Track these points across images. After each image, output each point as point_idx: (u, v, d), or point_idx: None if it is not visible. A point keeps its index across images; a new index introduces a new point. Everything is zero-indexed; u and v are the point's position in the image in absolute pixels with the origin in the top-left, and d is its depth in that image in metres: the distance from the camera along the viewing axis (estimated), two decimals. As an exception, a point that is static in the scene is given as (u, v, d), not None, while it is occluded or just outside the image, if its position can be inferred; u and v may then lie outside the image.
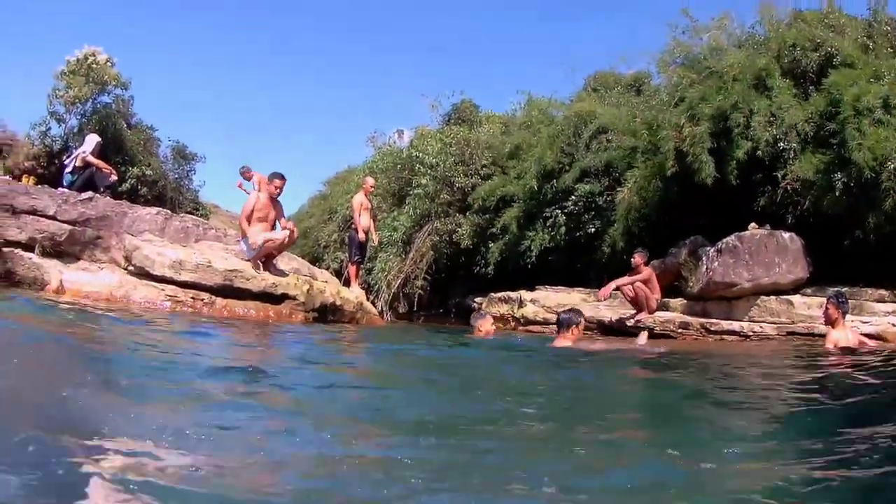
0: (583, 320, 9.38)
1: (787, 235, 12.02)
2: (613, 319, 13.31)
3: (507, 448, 3.65)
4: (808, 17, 14.26)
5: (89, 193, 13.02)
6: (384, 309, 18.97)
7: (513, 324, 15.49)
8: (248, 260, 11.76)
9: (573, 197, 16.59)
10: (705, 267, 12.65)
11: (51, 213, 11.75)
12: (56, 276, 10.84)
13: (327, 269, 20.34)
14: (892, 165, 11.20)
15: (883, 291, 11.38)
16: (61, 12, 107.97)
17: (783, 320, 11.50)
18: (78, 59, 27.82)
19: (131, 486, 2.51)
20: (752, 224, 12.52)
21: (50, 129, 27.91)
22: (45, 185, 14.44)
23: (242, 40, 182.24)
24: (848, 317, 9.52)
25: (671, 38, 15.82)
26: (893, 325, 10.76)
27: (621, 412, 5.11)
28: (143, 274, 11.10)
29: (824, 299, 9.82)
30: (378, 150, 27.27)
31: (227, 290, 11.12)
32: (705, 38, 15.33)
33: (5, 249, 10.66)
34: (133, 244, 11.50)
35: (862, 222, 11.82)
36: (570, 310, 9.75)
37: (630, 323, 12.90)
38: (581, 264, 16.67)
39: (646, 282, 12.89)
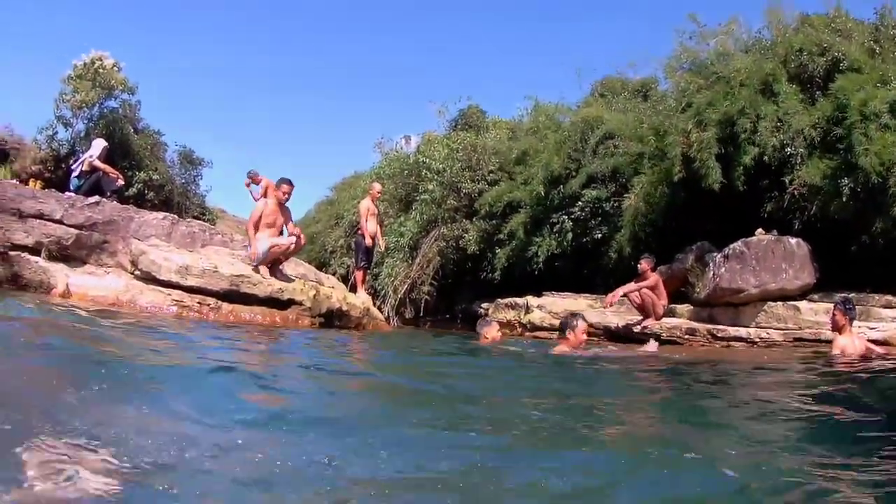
0: (580, 323, 9.28)
1: (794, 241, 11.97)
2: (620, 326, 13.27)
3: (505, 458, 3.63)
4: (814, 21, 14.22)
5: (96, 198, 13.06)
6: (391, 314, 18.98)
7: (519, 329, 15.44)
8: (254, 266, 11.77)
9: (580, 203, 16.57)
10: (712, 273, 12.61)
11: (57, 217, 11.79)
12: (62, 280, 10.87)
13: (334, 274, 20.43)
14: (900, 170, 11.18)
15: (890, 297, 11.31)
16: (68, 17, 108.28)
17: (790, 326, 11.45)
18: (85, 64, 27.91)
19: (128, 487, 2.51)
20: (759, 230, 12.48)
21: (57, 133, 28.02)
22: (52, 189, 14.45)
23: (249, 45, 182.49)
24: (855, 323, 9.49)
25: (678, 43, 15.84)
26: (901, 330, 10.71)
27: (607, 423, 5.09)
28: (149, 279, 11.12)
29: (831, 305, 9.79)
30: (385, 156, 27.34)
31: (234, 296, 11.13)
32: (712, 44, 15.32)
33: (12, 253, 10.67)
34: (139, 249, 11.51)
35: (869, 227, 11.78)
36: (569, 314, 9.73)
37: (637, 329, 12.86)
38: (588, 270, 16.65)
39: (652, 288, 12.87)
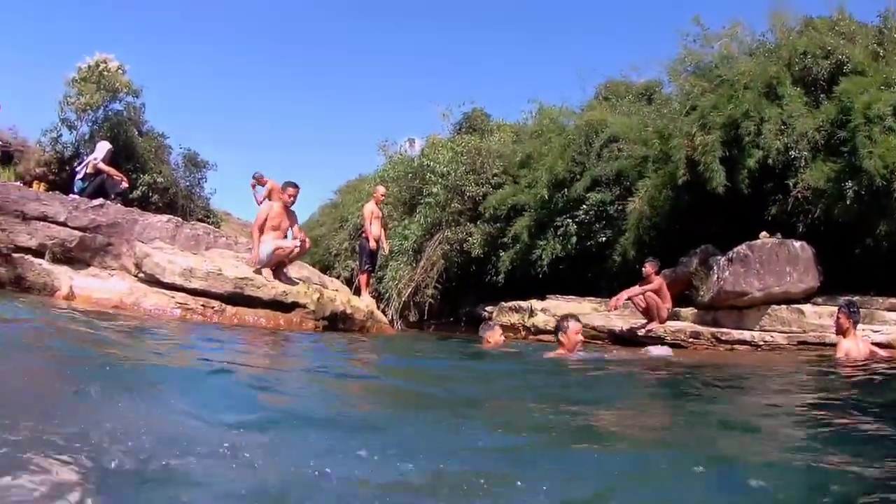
0: (570, 324, 9.04)
1: (798, 244, 11.96)
2: (624, 329, 13.27)
3: (508, 461, 3.62)
4: (818, 24, 14.22)
5: (100, 200, 13.07)
6: (395, 317, 18.99)
7: (523, 333, 15.45)
8: (258, 268, 11.77)
9: (584, 206, 16.57)
10: (716, 276, 12.60)
11: (61, 219, 11.77)
12: (66, 283, 10.88)
13: (338, 277, 20.43)
14: (904, 173, 11.17)
15: (894, 300, 11.27)
16: (73, 19, 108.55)
17: (794, 329, 11.43)
18: (89, 66, 27.92)
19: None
20: (763, 233, 12.47)
21: (61, 135, 28.04)
22: (56, 192, 14.48)
23: (254, 49, 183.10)
24: (859, 326, 9.48)
25: (682, 46, 15.87)
26: (905, 333, 10.69)
27: (608, 426, 5.07)
28: (153, 281, 11.12)
29: (835, 308, 9.76)
30: (389, 159, 27.37)
31: (238, 298, 11.13)
32: (716, 47, 15.35)
33: (15, 255, 10.67)
34: (143, 251, 11.52)
35: (873, 230, 11.77)
36: (560, 317, 9.71)
37: (641, 333, 12.85)
38: (592, 273, 16.64)
39: (657, 291, 12.85)
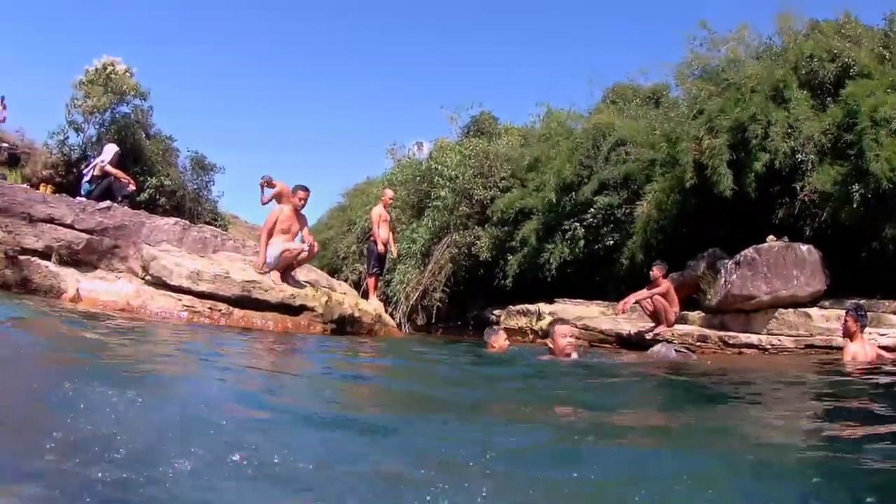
0: (556, 328, 8.99)
1: (804, 248, 11.95)
2: (632, 333, 13.26)
3: (513, 462, 3.64)
4: (824, 27, 14.20)
5: (107, 203, 13.08)
6: (402, 321, 19.00)
7: (531, 336, 15.43)
8: (266, 270, 11.80)
9: (592, 210, 16.58)
10: (723, 280, 12.59)
11: (68, 221, 11.80)
12: (73, 285, 10.90)
13: (346, 280, 20.38)
14: (910, 175, 11.17)
15: (900, 303, 11.30)
16: (81, 22, 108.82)
17: (801, 333, 11.41)
18: (97, 69, 28.06)
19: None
20: (770, 236, 12.46)
21: (68, 138, 28.21)
22: (63, 194, 14.51)
23: (262, 52, 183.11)
24: (866, 329, 9.48)
25: (689, 50, 15.87)
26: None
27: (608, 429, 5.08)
28: (160, 284, 11.14)
29: (842, 312, 9.79)
30: (397, 162, 27.41)
31: (245, 301, 11.14)
32: (723, 50, 15.34)
33: (22, 257, 10.69)
34: (151, 254, 11.55)
35: (879, 233, 11.77)
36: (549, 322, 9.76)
37: (649, 336, 12.84)
38: (600, 277, 16.64)
39: (664, 295, 12.85)
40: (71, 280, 11.03)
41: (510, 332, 13.02)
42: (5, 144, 30.49)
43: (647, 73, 21.30)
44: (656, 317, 12.95)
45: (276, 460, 3.17)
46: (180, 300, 10.91)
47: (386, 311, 16.17)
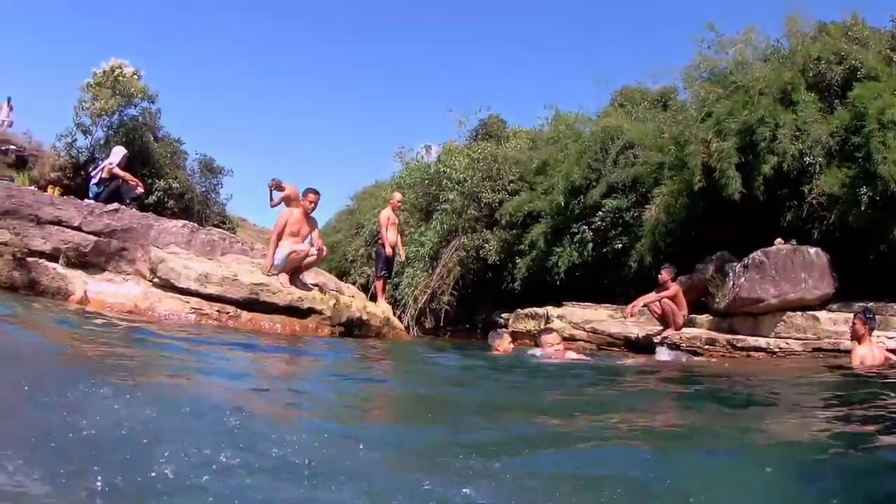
0: (543, 339, 9.83)
1: (813, 251, 11.91)
2: (640, 336, 13.24)
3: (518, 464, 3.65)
4: (832, 30, 14.16)
5: (115, 205, 13.09)
6: (410, 324, 18.99)
7: (540, 340, 15.43)
8: (275, 273, 11.82)
9: (600, 213, 16.56)
10: (732, 283, 12.56)
11: (76, 223, 11.83)
12: (80, 287, 10.93)
13: (354, 283, 20.42)
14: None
15: (908, 306, 11.27)
16: (89, 25, 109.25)
17: (809, 336, 11.36)
18: (104, 72, 28.06)
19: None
20: (779, 239, 12.42)
21: (76, 140, 28.13)
22: (71, 196, 14.53)
23: (271, 55, 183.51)
24: (874, 332, 9.47)
25: (697, 52, 15.84)
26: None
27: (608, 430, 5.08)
28: (168, 286, 11.18)
29: (850, 315, 9.77)
30: (405, 166, 27.45)
31: (253, 304, 11.16)
32: (731, 53, 15.31)
33: (30, 259, 10.71)
34: (159, 256, 11.58)
35: (887, 236, 11.74)
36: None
37: (657, 339, 12.83)
38: (608, 280, 16.62)
39: (673, 298, 12.85)
40: (79, 282, 11.07)
41: (519, 335, 13.05)
42: (13, 147, 30.64)
43: (655, 76, 21.32)
44: (664, 320, 12.95)
45: (277, 460, 3.18)
46: (188, 302, 10.95)
47: (394, 314, 16.17)
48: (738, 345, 11.87)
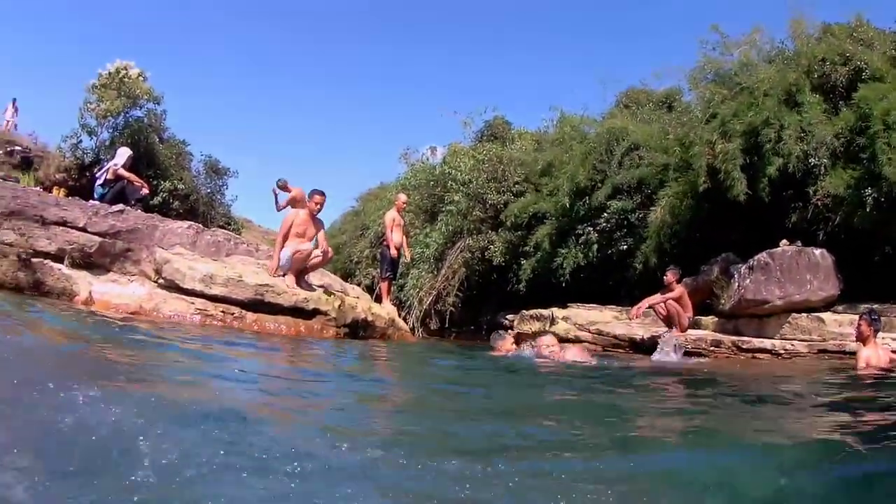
0: (539, 341, 10.07)
1: (818, 252, 11.91)
2: (645, 338, 13.22)
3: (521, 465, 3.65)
4: (836, 31, 14.16)
5: (120, 206, 13.07)
6: (416, 325, 19.01)
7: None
8: (281, 274, 11.83)
9: (605, 214, 16.55)
10: (737, 284, 12.56)
11: (81, 224, 11.81)
12: (85, 288, 10.92)
13: (359, 285, 20.44)
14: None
15: (913, 308, 11.24)
16: (94, 26, 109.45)
17: (814, 338, 11.35)
18: (110, 73, 28.09)
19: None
20: (784, 241, 12.42)
21: (81, 141, 28.22)
22: (76, 197, 14.54)
23: (276, 56, 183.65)
24: (879, 334, 9.46)
25: (702, 54, 15.82)
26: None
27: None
28: (173, 287, 11.18)
29: (855, 317, 9.76)
30: (411, 167, 27.42)
31: (258, 305, 11.15)
32: (736, 54, 15.29)
33: (34, 260, 10.71)
34: (163, 257, 11.60)
35: (892, 237, 11.74)
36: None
37: (663, 341, 12.82)
38: (613, 282, 16.61)
39: (678, 299, 12.85)
40: (83, 283, 11.05)
41: (524, 336, 13.03)
42: (18, 148, 30.72)
43: (659, 78, 21.30)
44: (670, 321, 12.94)
45: (278, 460, 3.19)
46: (193, 303, 10.94)
47: (399, 315, 16.17)
48: (744, 346, 11.86)
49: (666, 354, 11.78)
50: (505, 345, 11.11)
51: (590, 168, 17.21)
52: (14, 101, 34.32)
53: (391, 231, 16.05)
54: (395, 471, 3.24)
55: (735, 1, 75.71)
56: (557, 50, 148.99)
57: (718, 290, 13.26)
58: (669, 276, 12.90)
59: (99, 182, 15.06)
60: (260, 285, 11.22)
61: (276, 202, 16.65)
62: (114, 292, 11.19)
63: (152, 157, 27.99)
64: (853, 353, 9.67)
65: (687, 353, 11.83)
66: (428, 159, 27.98)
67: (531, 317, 16.36)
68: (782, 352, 11.40)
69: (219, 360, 7.22)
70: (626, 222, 16.32)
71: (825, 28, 14.56)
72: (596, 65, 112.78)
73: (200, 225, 14.35)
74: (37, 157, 30.24)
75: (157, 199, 25.87)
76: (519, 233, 18.68)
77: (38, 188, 16.77)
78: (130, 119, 28.51)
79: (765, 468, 3.59)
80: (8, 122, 33.48)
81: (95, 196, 14.62)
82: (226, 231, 17.00)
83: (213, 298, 10.99)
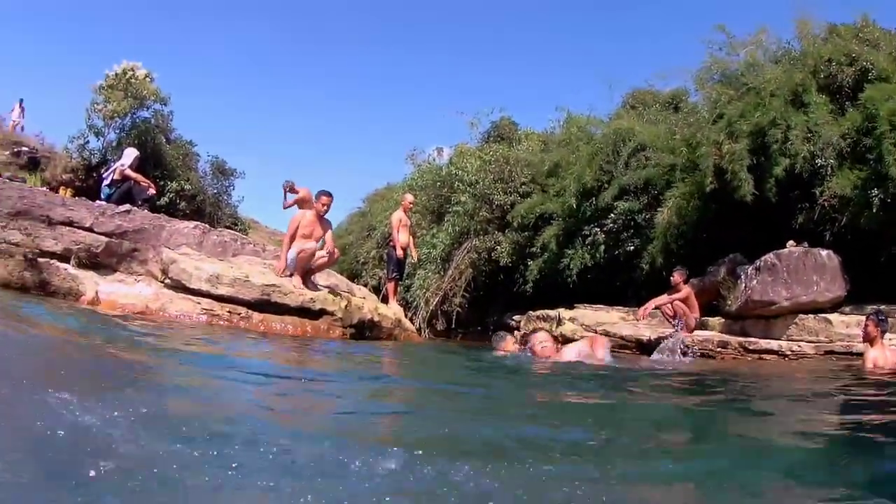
0: (533, 338, 9.84)
1: (825, 253, 11.88)
2: (652, 338, 13.21)
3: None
4: (842, 31, 14.14)
5: (126, 206, 13.09)
6: (422, 326, 18.97)
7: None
8: (288, 274, 11.85)
9: (612, 215, 16.56)
10: (744, 285, 12.54)
11: (87, 224, 11.83)
12: (91, 288, 10.91)
13: (365, 285, 20.48)
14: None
15: (920, 308, 11.21)
16: (101, 27, 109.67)
17: (821, 339, 11.32)
18: (117, 74, 28.14)
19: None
20: (791, 241, 12.40)
21: (88, 142, 28.26)
22: (83, 198, 14.57)
23: (283, 57, 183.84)
24: (886, 335, 9.44)
25: (708, 54, 15.83)
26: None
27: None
28: (179, 287, 11.19)
29: (862, 318, 9.75)
30: (417, 168, 27.44)
31: (265, 305, 11.14)
32: (742, 55, 15.30)
33: (41, 260, 10.69)
34: (170, 257, 11.61)
35: (898, 238, 11.73)
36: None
37: (669, 341, 12.81)
38: (620, 282, 16.60)
39: (685, 300, 12.85)
40: (90, 283, 11.05)
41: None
42: (25, 148, 30.77)
43: (666, 78, 21.30)
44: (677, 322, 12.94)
45: (279, 460, 3.19)
46: (199, 303, 10.94)
47: (406, 315, 16.19)
48: (751, 347, 11.84)
49: (666, 354, 11.78)
50: (507, 346, 11.13)
51: (596, 169, 17.21)
52: (21, 101, 34.37)
53: (398, 231, 16.08)
54: (397, 471, 3.24)
55: (739, 1, 75.65)
56: (564, 51, 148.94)
57: (725, 290, 13.25)
58: (676, 277, 12.91)
59: (106, 182, 15.08)
60: (266, 285, 11.23)
61: (285, 198, 16.68)
62: (120, 292, 11.19)
63: (159, 158, 28.04)
64: (860, 354, 9.65)
65: (684, 353, 11.82)
66: (434, 160, 28.01)
67: (538, 317, 16.36)
68: (789, 353, 11.37)
69: (224, 361, 7.22)
70: (632, 223, 16.31)
71: (831, 28, 14.55)
72: (600, 65, 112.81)
73: (207, 225, 14.39)
74: (43, 158, 30.28)
75: (163, 200, 25.89)
76: (526, 233, 18.68)
77: (44, 188, 16.78)
78: (137, 120, 28.58)
79: (771, 469, 3.59)
80: (14, 122, 33.52)
81: (102, 196, 14.65)
82: (232, 231, 17.05)
83: (220, 298, 10.98)
